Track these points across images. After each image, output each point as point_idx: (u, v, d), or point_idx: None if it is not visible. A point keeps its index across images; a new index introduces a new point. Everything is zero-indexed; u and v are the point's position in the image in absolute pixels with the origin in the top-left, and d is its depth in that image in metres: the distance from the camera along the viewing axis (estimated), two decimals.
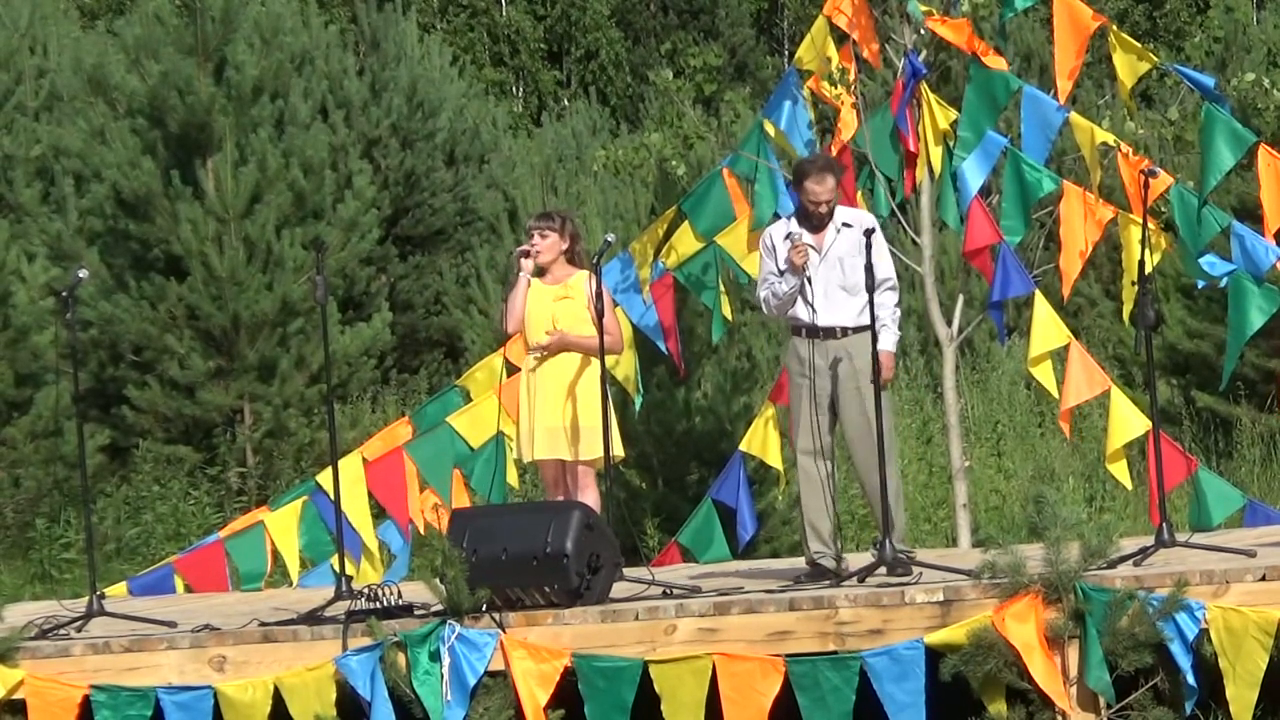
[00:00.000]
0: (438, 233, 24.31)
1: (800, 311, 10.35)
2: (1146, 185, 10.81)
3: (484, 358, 13.98)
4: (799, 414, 10.42)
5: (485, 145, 25.52)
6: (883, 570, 9.78)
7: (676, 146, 13.75)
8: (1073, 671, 8.88)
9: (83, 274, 11.00)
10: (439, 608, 9.44)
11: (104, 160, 17.96)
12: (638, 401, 13.54)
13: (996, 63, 12.40)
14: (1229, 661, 8.74)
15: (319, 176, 18.57)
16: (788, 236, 10.40)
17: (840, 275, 10.27)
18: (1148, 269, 10.50)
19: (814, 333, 10.34)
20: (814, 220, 10.39)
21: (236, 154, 17.68)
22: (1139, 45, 12.43)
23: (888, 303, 10.34)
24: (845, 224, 10.38)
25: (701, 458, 14.55)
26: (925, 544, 14.73)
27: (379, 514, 13.00)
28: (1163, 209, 12.22)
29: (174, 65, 17.63)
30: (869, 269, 10.04)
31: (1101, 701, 8.85)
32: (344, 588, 10.05)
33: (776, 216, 12.80)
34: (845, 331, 10.30)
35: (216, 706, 9.50)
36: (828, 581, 9.94)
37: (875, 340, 10.07)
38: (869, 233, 10.14)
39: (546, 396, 10.82)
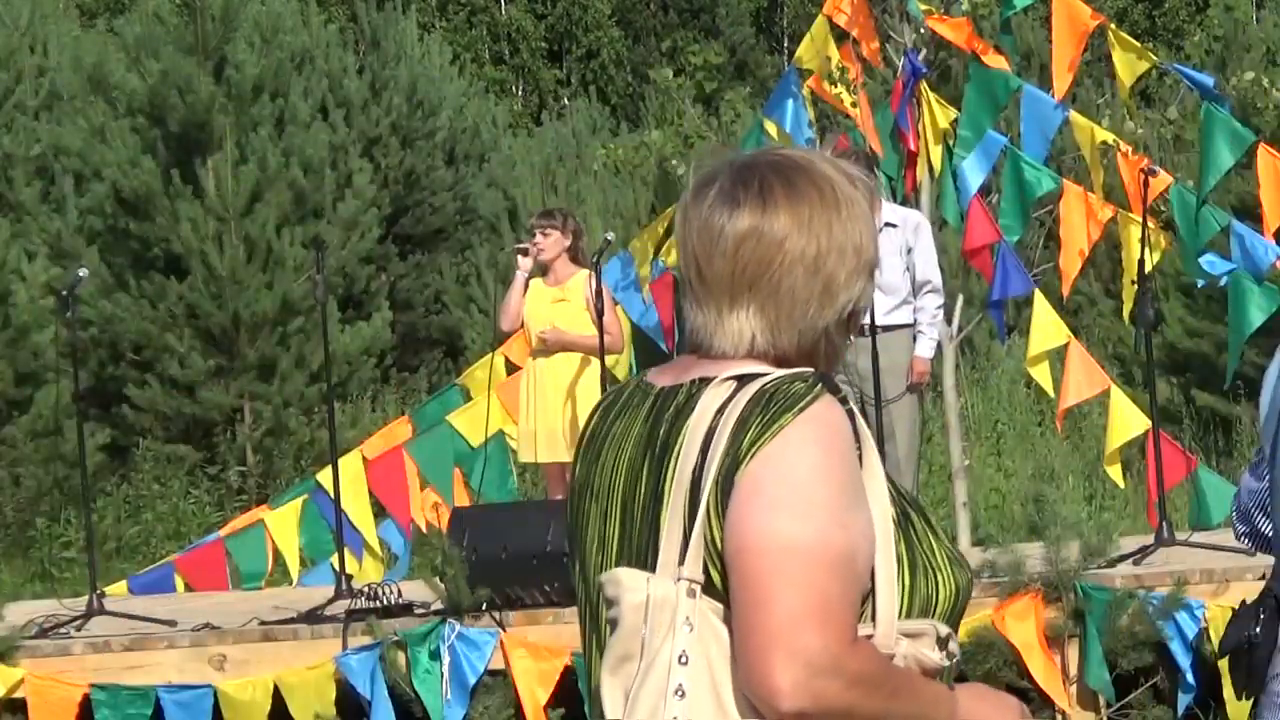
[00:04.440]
0: (438, 231, 24.29)
1: None
2: (1146, 184, 10.81)
3: (484, 356, 13.98)
4: None
5: (485, 144, 25.50)
6: None
7: (677, 145, 13.77)
8: (1072, 670, 8.89)
9: (83, 273, 11.00)
10: (439, 606, 9.44)
11: (104, 159, 17.96)
12: None
13: (996, 62, 12.40)
14: None
15: (319, 175, 18.57)
16: None
17: (878, 273, 10.19)
18: (1147, 268, 10.50)
19: None
20: None
21: (236, 153, 17.68)
22: (1138, 44, 12.43)
23: (928, 306, 10.32)
24: (889, 223, 10.36)
25: None
26: None
27: (379, 513, 13.00)
28: (1162, 208, 12.22)
29: (174, 64, 17.63)
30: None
31: (1101, 700, 8.86)
32: (344, 586, 10.05)
33: None
34: (874, 329, 10.26)
35: (216, 705, 9.50)
36: None
37: (875, 341, 10.08)
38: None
39: (547, 397, 10.82)
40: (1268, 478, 4.34)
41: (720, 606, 2.95)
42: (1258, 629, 4.26)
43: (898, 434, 10.23)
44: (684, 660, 2.94)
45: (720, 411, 3.01)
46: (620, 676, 2.98)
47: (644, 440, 3.09)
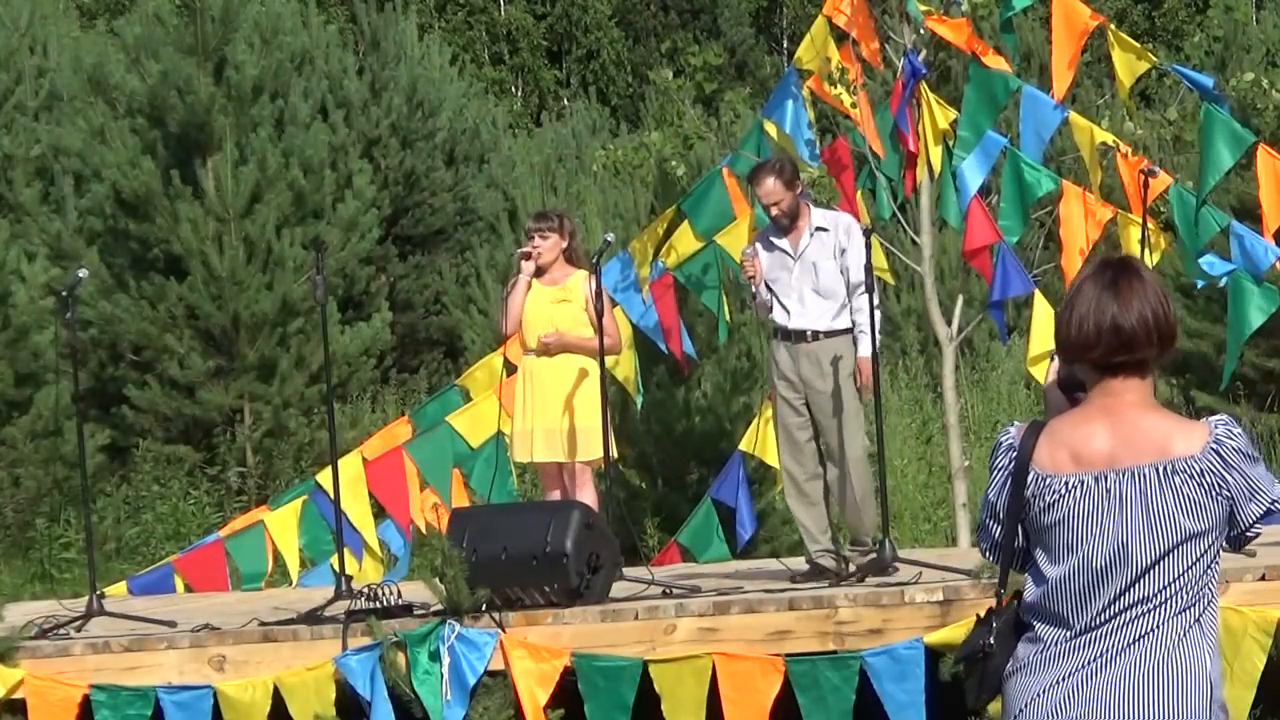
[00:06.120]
0: (438, 232, 24.31)
1: (777, 314, 10.37)
2: (1146, 185, 10.80)
3: (484, 357, 13.99)
4: (776, 418, 10.44)
5: (485, 145, 25.52)
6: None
7: (676, 146, 13.75)
8: None
9: (83, 274, 11.00)
10: (439, 607, 9.44)
11: (104, 160, 17.97)
12: (639, 402, 13.53)
13: (996, 62, 12.40)
14: (1227, 661, 8.74)
15: (319, 176, 18.57)
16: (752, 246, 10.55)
17: (813, 279, 10.26)
18: None
19: (787, 336, 10.36)
20: (778, 223, 10.41)
21: (236, 154, 17.68)
22: (1138, 45, 12.43)
23: (864, 307, 10.31)
24: (820, 228, 10.36)
25: (701, 457, 14.55)
26: (925, 544, 14.73)
27: (379, 513, 13.01)
28: (1162, 209, 12.22)
29: (174, 65, 17.64)
30: (867, 268, 10.04)
31: None
32: (344, 587, 10.05)
33: None
34: (816, 335, 10.28)
35: (216, 706, 9.51)
36: (826, 581, 9.95)
37: (875, 338, 10.07)
38: (868, 232, 10.14)
39: (546, 398, 10.81)
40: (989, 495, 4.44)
41: None
42: (990, 639, 4.33)
43: (856, 437, 10.21)
44: None
45: None
46: None
47: None
